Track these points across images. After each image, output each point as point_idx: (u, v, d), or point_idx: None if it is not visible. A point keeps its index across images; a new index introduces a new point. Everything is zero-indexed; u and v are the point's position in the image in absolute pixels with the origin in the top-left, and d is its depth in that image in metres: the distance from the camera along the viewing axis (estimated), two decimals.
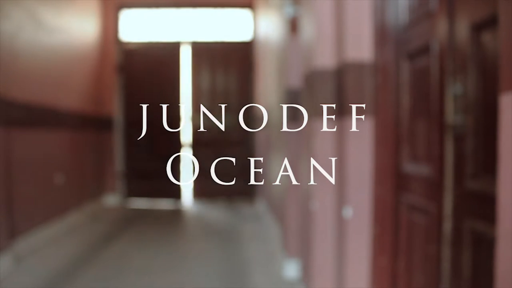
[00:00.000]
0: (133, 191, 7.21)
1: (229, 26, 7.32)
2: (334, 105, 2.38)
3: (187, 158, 7.26)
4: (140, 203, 7.04)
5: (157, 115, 6.90)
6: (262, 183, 6.39)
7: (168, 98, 7.03)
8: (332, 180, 2.42)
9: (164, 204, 7.03)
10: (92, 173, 6.62)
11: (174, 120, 7.02)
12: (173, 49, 7.18)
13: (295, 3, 3.24)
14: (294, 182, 3.42)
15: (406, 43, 2.03)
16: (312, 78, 2.49)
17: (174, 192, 7.11)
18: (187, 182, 7.28)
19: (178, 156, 7.06)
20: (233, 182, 7.25)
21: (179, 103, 7.09)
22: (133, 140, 7.01)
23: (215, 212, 6.49)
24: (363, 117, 2.20)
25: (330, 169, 2.42)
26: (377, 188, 2.19)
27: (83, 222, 5.71)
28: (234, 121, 7.34)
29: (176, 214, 6.42)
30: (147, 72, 7.13)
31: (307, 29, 2.61)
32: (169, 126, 6.94)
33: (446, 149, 1.67)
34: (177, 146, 7.11)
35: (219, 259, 4.10)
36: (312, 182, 2.51)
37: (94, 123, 6.70)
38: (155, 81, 7.13)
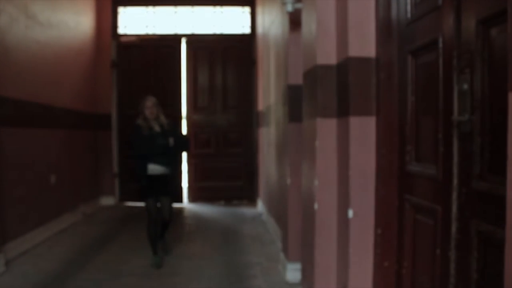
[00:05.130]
0: (127, 194, 6.86)
1: (230, 23, 7.16)
2: (336, 103, 2.34)
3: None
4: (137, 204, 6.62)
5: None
6: (261, 184, 6.31)
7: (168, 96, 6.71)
8: (335, 180, 2.38)
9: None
10: (88, 174, 6.48)
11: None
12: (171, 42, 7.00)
13: None
14: (295, 182, 3.38)
15: (410, 38, 1.98)
16: (314, 74, 2.45)
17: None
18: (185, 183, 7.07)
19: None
20: (232, 183, 7.08)
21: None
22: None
23: (213, 214, 6.39)
24: (366, 115, 2.16)
25: (333, 170, 2.38)
26: (381, 188, 2.14)
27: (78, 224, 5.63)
28: (234, 119, 7.19)
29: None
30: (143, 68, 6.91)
31: (310, 24, 2.57)
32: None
33: (452, 149, 1.63)
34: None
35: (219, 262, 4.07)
36: (314, 183, 2.47)
37: (90, 122, 6.56)
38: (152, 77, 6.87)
